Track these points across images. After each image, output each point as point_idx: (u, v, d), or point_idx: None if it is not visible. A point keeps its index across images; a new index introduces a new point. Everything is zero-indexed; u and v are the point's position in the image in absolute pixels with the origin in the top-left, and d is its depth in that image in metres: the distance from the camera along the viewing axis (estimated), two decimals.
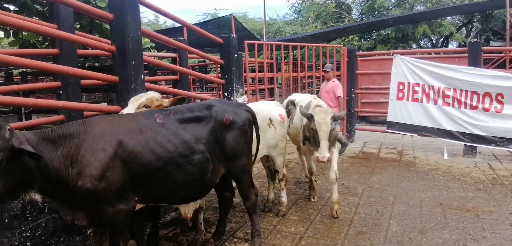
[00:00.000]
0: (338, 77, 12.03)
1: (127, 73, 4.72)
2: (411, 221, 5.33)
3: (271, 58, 12.40)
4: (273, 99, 8.82)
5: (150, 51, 8.62)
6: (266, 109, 5.43)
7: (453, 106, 8.85)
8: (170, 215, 5.71)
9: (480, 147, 8.83)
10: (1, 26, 6.88)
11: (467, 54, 9.38)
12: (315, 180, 6.37)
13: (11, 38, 7.09)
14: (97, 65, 8.34)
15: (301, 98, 6.28)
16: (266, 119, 5.30)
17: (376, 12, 25.73)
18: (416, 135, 9.70)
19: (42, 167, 3.08)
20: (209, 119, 3.86)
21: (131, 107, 4.06)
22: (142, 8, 4.99)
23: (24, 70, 11.77)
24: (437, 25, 23.43)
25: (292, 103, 6.41)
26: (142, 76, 4.93)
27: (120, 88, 4.83)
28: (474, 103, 8.56)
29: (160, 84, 9.17)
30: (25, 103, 4.94)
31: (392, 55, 10.07)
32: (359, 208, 5.87)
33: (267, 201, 6.01)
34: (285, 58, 14.82)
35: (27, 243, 3.85)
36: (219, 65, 7.55)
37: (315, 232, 5.08)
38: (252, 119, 4.28)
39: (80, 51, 5.80)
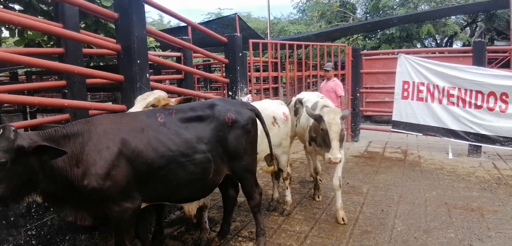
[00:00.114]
0: (343, 76, 12.02)
1: (132, 72, 4.74)
2: (416, 220, 5.32)
3: (276, 58, 12.39)
4: (277, 99, 8.79)
5: (155, 51, 8.63)
6: (270, 108, 5.43)
7: (457, 105, 8.82)
8: (175, 214, 5.72)
9: (485, 146, 8.79)
10: (7, 26, 6.91)
11: (471, 54, 9.35)
12: (320, 180, 6.36)
13: (16, 38, 7.11)
14: (101, 64, 8.36)
15: (309, 97, 6.22)
16: (270, 118, 5.30)
17: (381, 12, 25.66)
18: (421, 134, 9.67)
19: (47, 167, 3.06)
20: (211, 119, 3.85)
21: (138, 106, 4.07)
22: (146, 8, 5.00)
23: (29, 69, 11.80)
24: (442, 25, 23.34)
25: (300, 102, 6.33)
26: (147, 75, 4.94)
27: (126, 87, 4.84)
28: (479, 103, 8.52)
29: (165, 84, 9.19)
30: (30, 102, 4.97)
31: (397, 54, 10.03)
32: (364, 207, 5.87)
33: (272, 200, 6.01)
34: (289, 57, 14.81)
35: (33, 242, 3.87)
36: (224, 65, 7.55)
37: (320, 231, 5.07)
38: (256, 119, 4.26)
39: (85, 50, 5.82)
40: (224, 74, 7.75)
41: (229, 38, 7.13)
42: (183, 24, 10.96)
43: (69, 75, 5.13)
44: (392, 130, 10.06)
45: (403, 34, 22.70)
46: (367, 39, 25.29)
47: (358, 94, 11.23)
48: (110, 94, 11.22)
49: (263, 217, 4.85)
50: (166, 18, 44.31)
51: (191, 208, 4.09)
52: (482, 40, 9.76)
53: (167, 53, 8.42)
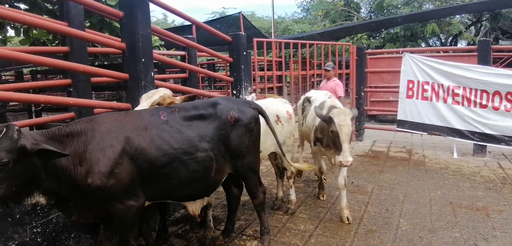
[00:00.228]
0: (347, 75, 12.01)
1: (137, 71, 4.74)
2: (421, 219, 5.30)
3: (280, 56, 12.40)
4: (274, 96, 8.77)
5: (160, 50, 8.64)
6: (273, 106, 5.41)
7: (462, 105, 8.78)
8: (179, 212, 5.73)
9: (490, 146, 8.75)
10: (12, 25, 6.94)
11: (476, 53, 9.32)
12: (324, 179, 6.35)
13: (22, 37, 7.14)
14: (106, 63, 8.38)
15: (317, 96, 6.18)
16: (273, 116, 5.27)
17: (385, 11, 25.65)
18: (425, 134, 9.64)
19: (49, 167, 3.05)
20: (214, 117, 3.84)
21: (143, 105, 4.08)
22: (151, 7, 5.00)
23: (34, 68, 11.84)
24: (446, 24, 23.30)
25: (308, 100, 6.28)
26: (152, 73, 4.95)
27: (130, 86, 4.85)
28: (484, 102, 8.48)
29: (169, 82, 9.20)
30: (36, 100, 4.98)
31: (401, 53, 10.00)
32: (369, 206, 5.86)
33: (276, 199, 6.01)
34: (293, 56, 14.80)
35: (38, 239, 3.89)
36: (228, 64, 7.56)
37: (325, 230, 5.07)
38: (258, 117, 4.24)
39: (90, 49, 5.84)
40: (228, 73, 7.75)
41: (234, 37, 7.13)
42: (187, 23, 10.98)
43: (74, 74, 5.14)
44: (396, 129, 10.03)
45: (408, 33, 22.69)
46: (371, 38, 25.29)
47: (362, 94, 11.21)
48: (115, 94, 11.25)
49: (267, 215, 4.85)
50: (170, 17, 44.47)
51: (194, 207, 4.08)
52: (487, 39, 9.70)
53: (171, 52, 8.43)
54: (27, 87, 6.26)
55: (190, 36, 7.87)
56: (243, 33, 7.39)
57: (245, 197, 5.07)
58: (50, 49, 6.40)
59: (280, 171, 5.97)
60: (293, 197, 5.75)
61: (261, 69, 14.15)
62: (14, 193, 2.92)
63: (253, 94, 7.19)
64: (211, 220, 4.85)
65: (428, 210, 5.65)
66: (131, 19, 4.72)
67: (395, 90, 10.40)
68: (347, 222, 5.24)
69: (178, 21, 38.39)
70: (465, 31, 24.92)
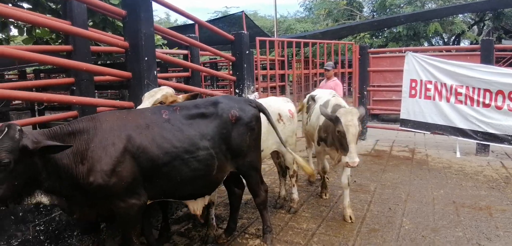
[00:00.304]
0: (350, 74, 11.99)
1: (140, 69, 4.75)
2: (424, 219, 5.30)
3: (283, 55, 12.37)
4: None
5: (162, 48, 8.66)
6: (275, 105, 5.40)
7: (465, 104, 8.76)
8: (182, 211, 5.74)
9: (493, 145, 8.73)
10: (16, 24, 6.97)
11: (479, 52, 9.29)
12: (327, 178, 6.34)
13: (25, 36, 7.17)
14: (109, 62, 8.40)
15: (322, 94, 6.16)
16: (275, 114, 5.27)
17: (388, 10, 25.62)
18: (428, 133, 9.62)
19: (51, 166, 3.05)
20: (215, 116, 3.85)
21: (146, 103, 4.09)
22: (154, 6, 5.01)
23: (37, 67, 11.88)
24: (449, 23, 23.27)
25: (312, 99, 6.22)
26: (155, 72, 4.96)
27: (133, 84, 4.86)
28: (487, 101, 8.46)
29: (172, 81, 9.20)
30: (39, 98, 4.98)
31: (404, 52, 9.98)
32: (372, 205, 5.85)
33: (279, 198, 6.01)
34: (296, 55, 14.80)
35: (41, 237, 3.90)
36: (231, 62, 7.56)
37: (327, 229, 5.07)
38: (259, 116, 4.23)
39: (93, 48, 5.85)
40: (231, 72, 7.75)
41: (236, 36, 7.14)
42: (190, 22, 10.98)
43: (77, 73, 5.15)
44: (399, 128, 10.02)
45: (410, 33, 22.67)
46: (374, 37, 25.27)
47: (365, 93, 11.19)
48: (117, 93, 11.27)
49: (269, 214, 4.85)
50: (173, 17, 44.50)
51: (196, 206, 4.07)
52: (490, 38, 9.68)
53: (174, 51, 8.44)
54: (30, 85, 6.26)
55: (193, 35, 7.87)
56: (245, 32, 7.39)
57: (247, 195, 5.07)
58: (54, 48, 6.41)
59: (283, 170, 5.97)
60: (295, 195, 5.75)
61: (264, 68, 14.15)
62: (14, 193, 2.91)
63: (256, 93, 7.18)
64: (214, 219, 4.86)
65: (431, 209, 5.64)
66: (134, 17, 4.73)
67: (398, 90, 10.38)
68: (349, 221, 5.23)
69: (181, 21, 38.41)
70: (468, 31, 24.88)
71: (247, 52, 7.13)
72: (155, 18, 4.94)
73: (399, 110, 9.92)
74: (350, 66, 12.15)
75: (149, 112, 3.69)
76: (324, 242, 4.70)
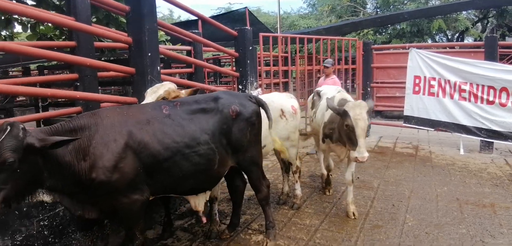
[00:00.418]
0: (354, 71, 11.95)
1: (143, 65, 4.76)
2: (427, 215, 5.29)
3: (286, 52, 12.38)
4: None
5: (165, 44, 8.65)
6: (278, 101, 5.38)
7: (469, 101, 8.72)
8: (185, 207, 5.74)
9: (497, 142, 8.69)
10: (20, 20, 6.97)
11: (483, 49, 9.25)
12: (330, 174, 6.32)
13: (28, 32, 7.17)
14: (112, 59, 8.41)
15: (327, 90, 6.09)
16: (278, 110, 5.25)
17: (391, 6, 25.54)
18: (432, 130, 9.59)
19: (53, 164, 3.04)
20: (215, 111, 3.85)
21: (149, 99, 4.10)
22: (157, 2, 5.01)
23: (41, 63, 11.90)
24: (453, 20, 23.20)
25: (318, 94, 6.12)
26: (158, 68, 4.96)
27: (137, 80, 4.87)
28: (491, 98, 8.42)
29: (175, 77, 9.21)
30: (43, 94, 5.01)
31: (408, 48, 9.95)
32: (375, 202, 5.84)
33: (282, 194, 6.01)
34: (299, 51, 14.77)
35: (45, 232, 3.91)
36: (234, 58, 7.56)
37: (330, 225, 5.07)
38: (260, 111, 4.22)
39: (97, 44, 5.85)
40: (234, 68, 7.75)
41: (240, 32, 7.13)
42: (193, 18, 10.97)
43: (81, 69, 5.16)
44: (403, 125, 10.00)
45: (414, 29, 22.61)
46: (377, 34, 25.20)
47: (369, 89, 11.16)
48: (121, 89, 11.28)
49: (272, 209, 4.84)
50: (176, 13, 44.51)
51: (197, 202, 4.07)
52: (494, 35, 9.64)
53: (177, 46, 8.44)
54: (34, 81, 6.27)
55: (196, 31, 7.86)
56: (249, 28, 7.38)
57: (250, 191, 5.07)
58: (58, 43, 6.41)
59: (286, 166, 5.96)
60: (298, 191, 5.75)
61: (267, 64, 14.12)
62: (18, 193, 2.90)
63: (259, 89, 7.18)
64: (217, 214, 4.86)
65: (434, 206, 5.63)
66: (138, 13, 4.73)
67: (401, 86, 10.35)
68: (353, 217, 5.22)
69: (184, 17, 38.40)
70: (471, 28, 24.80)
71: (250, 48, 7.12)
72: (159, 15, 4.95)
73: (403, 107, 9.90)
74: (353, 62, 12.12)
75: (149, 108, 3.70)
76: (327, 238, 4.70)
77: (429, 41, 24.73)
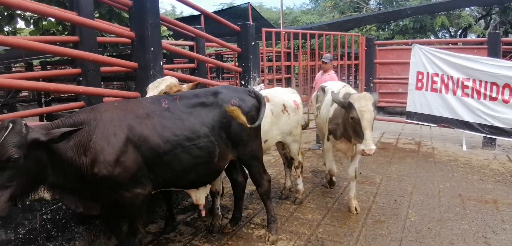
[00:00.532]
0: (356, 66, 11.93)
1: (146, 60, 4.76)
2: (429, 211, 5.29)
3: (288, 47, 12.35)
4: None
5: (168, 40, 8.65)
6: (280, 96, 5.38)
7: (472, 97, 8.70)
8: (188, 201, 5.76)
9: (499, 139, 8.67)
10: (23, 15, 6.98)
11: (486, 45, 9.22)
12: (334, 180, 6.19)
13: (31, 28, 7.18)
14: (115, 54, 8.41)
15: (332, 85, 6.00)
16: (280, 105, 5.26)
17: (394, 2, 25.47)
18: (434, 126, 9.58)
19: (56, 160, 3.03)
20: (215, 105, 3.87)
21: (151, 94, 4.10)
22: None
23: (44, 59, 11.91)
24: (456, 17, 23.11)
25: (322, 89, 6.01)
26: (161, 62, 4.96)
27: (139, 75, 4.87)
28: (494, 95, 8.40)
29: (178, 73, 9.20)
30: (46, 88, 5.02)
31: (411, 44, 9.93)
32: (377, 197, 5.84)
33: (284, 189, 6.01)
34: (302, 47, 14.78)
35: (48, 226, 3.92)
36: (236, 54, 7.56)
37: (333, 220, 5.07)
38: (260, 106, 4.21)
39: (100, 39, 5.86)
40: (236, 63, 7.75)
41: (242, 27, 7.12)
42: (195, 13, 10.95)
43: (84, 63, 5.17)
44: (405, 121, 9.99)
45: (417, 26, 22.54)
46: (380, 30, 25.12)
47: (371, 85, 11.15)
48: (123, 84, 11.29)
49: (273, 204, 4.86)
50: (178, 9, 44.46)
51: (198, 195, 4.09)
52: (497, 31, 9.59)
53: (180, 42, 8.44)
54: (37, 76, 6.28)
55: (199, 26, 7.86)
56: (251, 23, 7.37)
57: (253, 186, 5.08)
58: (61, 38, 6.41)
59: (288, 161, 5.97)
60: (301, 186, 5.76)
61: (270, 60, 14.12)
62: (23, 191, 2.89)
63: (261, 84, 7.18)
64: (219, 208, 4.88)
65: (437, 201, 5.63)
66: (140, 8, 4.73)
67: (404, 82, 10.34)
68: (355, 212, 5.22)
69: (187, 13, 38.38)
70: (474, 24, 24.71)
71: (253, 43, 7.12)
72: (161, 10, 4.95)
73: (405, 103, 9.89)
74: (356, 58, 12.10)
75: (148, 102, 3.70)
76: (329, 233, 4.71)
77: (432, 38, 24.66)
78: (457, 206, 5.46)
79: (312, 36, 12.08)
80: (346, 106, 4.59)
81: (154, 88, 4.20)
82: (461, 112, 8.88)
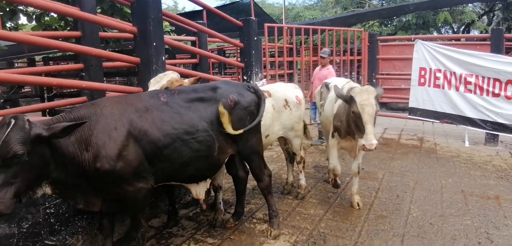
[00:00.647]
0: (359, 62, 11.91)
1: (148, 55, 4.76)
2: (432, 206, 5.28)
3: (291, 43, 12.36)
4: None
5: (170, 35, 8.66)
6: (282, 91, 5.36)
7: (475, 93, 8.68)
8: (190, 196, 5.76)
9: (502, 135, 8.65)
10: (25, 11, 7.00)
11: (489, 42, 9.19)
12: (338, 183, 6.13)
13: (34, 24, 7.20)
14: (117, 50, 8.43)
15: (336, 82, 5.91)
16: (282, 100, 5.25)
17: None
18: (437, 122, 9.56)
19: (58, 155, 3.02)
20: (213, 100, 3.86)
21: (152, 89, 4.10)
22: None
23: (47, 55, 11.94)
24: (459, 13, 23.06)
25: (326, 86, 5.85)
26: (163, 57, 4.96)
27: (142, 70, 4.88)
28: (497, 91, 8.37)
29: (180, 68, 9.21)
30: (49, 83, 5.03)
31: (414, 40, 9.91)
32: (379, 192, 5.84)
33: (286, 184, 6.01)
34: (305, 43, 14.77)
35: (51, 220, 3.93)
36: (239, 49, 7.56)
37: (335, 215, 5.08)
38: (259, 101, 4.20)
39: (102, 34, 5.87)
40: (239, 59, 7.75)
41: (245, 22, 7.12)
42: (198, 8, 10.96)
43: (86, 59, 5.17)
44: (408, 116, 9.98)
45: (420, 22, 22.51)
46: (383, 26, 25.08)
47: (374, 81, 11.13)
48: (126, 80, 11.30)
49: (275, 199, 4.86)
50: (181, 4, 44.46)
51: (198, 190, 4.09)
52: (500, 28, 9.58)
53: (182, 37, 8.45)
54: (40, 71, 6.31)
55: (201, 21, 7.86)
56: (254, 18, 7.36)
57: (255, 182, 5.08)
58: (63, 33, 6.44)
59: (290, 156, 5.97)
60: (303, 181, 5.76)
61: (272, 55, 14.11)
62: (27, 187, 2.88)
63: (264, 80, 7.17)
64: (221, 203, 4.89)
65: (439, 197, 5.62)
66: (142, 3, 4.74)
67: (406, 78, 10.32)
68: (357, 208, 5.22)
69: (189, 8, 38.31)
70: (477, 21, 24.65)
71: (255, 39, 7.11)
72: (163, 6, 4.94)
73: (408, 99, 9.88)
74: (359, 54, 12.08)
75: (146, 96, 3.70)
76: (332, 228, 4.71)
77: (435, 34, 24.58)
78: (459, 201, 5.45)
79: (315, 31, 12.07)
80: (348, 100, 4.51)
81: (156, 83, 4.21)
82: (464, 109, 8.87)
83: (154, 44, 4.78)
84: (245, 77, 7.10)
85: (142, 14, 4.75)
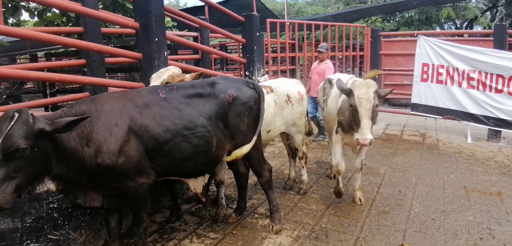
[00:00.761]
0: (361, 58, 11.88)
1: (150, 50, 4.77)
2: (434, 202, 5.28)
3: (293, 38, 12.32)
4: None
5: (172, 30, 8.66)
6: (284, 86, 5.35)
7: (477, 89, 8.66)
8: (192, 191, 5.77)
9: (505, 131, 8.64)
10: (27, 6, 7.01)
11: (492, 38, 9.16)
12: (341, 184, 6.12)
13: (36, 19, 7.21)
14: (119, 45, 8.44)
15: (340, 77, 5.99)
16: (284, 95, 5.24)
17: None
18: (439, 118, 9.54)
19: (60, 150, 3.02)
20: (212, 96, 3.85)
21: (154, 84, 4.11)
22: None
23: (49, 51, 11.95)
24: (462, 8, 22.98)
25: (329, 82, 5.74)
26: (165, 53, 4.97)
27: (144, 65, 4.88)
28: (499, 87, 8.35)
29: (182, 64, 9.21)
30: (51, 79, 5.04)
31: (416, 36, 9.88)
32: (382, 188, 5.85)
33: (288, 179, 6.02)
34: (307, 38, 14.74)
35: (54, 215, 3.94)
36: (241, 45, 7.55)
37: (337, 210, 5.08)
38: (258, 97, 4.18)
39: (104, 30, 5.87)
40: (241, 55, 7.75)
41: (247, 18, 7.11)
42: (200, 4, 10.95)
43: (88, 54, 5.18)
44: (410, 112, 9.96)
45: (422, 17, 22.44)
46: (385, 21, 25.01)
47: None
48: (128, 76, 11.32)
49: (276, 194, 4.87)
50: (182, 0, 44.36)
51: (196, 184, 4.10)
52: (503, 23, 9.54)
53: (184, 32, 8.45)
54: (42, 67, 6.31)
55: (203, 17, 7.85)
56: (256, 14, 7.35)
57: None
58: (65, 29, 6.44)
59: (292, 152, 5.98)
60: (305, 177, 5.77)
61: (274, 51, 14.09)
62: (28, 182, 2.87)
63: (266, 75, 7.17)
64: (224, 198, 4.89)
65: (441, 193, 5.62)
66: None
67: (409, 74, 10.29)
68: (359, 203, 5.22)
69: (191, 4, 38.26)
70: (480, 17, 24.56)
71: (257, 34, 7.10)
72: (165, 2, 4.95)
73: (410, 95, 9.85)
74: (361, 49, 12.06)
75: (146, 92, 3.70)
76: (333, 223, 4.71)
77: (438, 30, 24.52)
78: (461, 197, 5.45)
79: (317, 27, 12.05)
80: (347, 93, 4.47)
81: (157, 78, 4.21)
82: (466, 104, 8.85)
83: (156, 39, 4.78)
84: (247, 73, 7.10)
85: (144, 9, 4.75)
